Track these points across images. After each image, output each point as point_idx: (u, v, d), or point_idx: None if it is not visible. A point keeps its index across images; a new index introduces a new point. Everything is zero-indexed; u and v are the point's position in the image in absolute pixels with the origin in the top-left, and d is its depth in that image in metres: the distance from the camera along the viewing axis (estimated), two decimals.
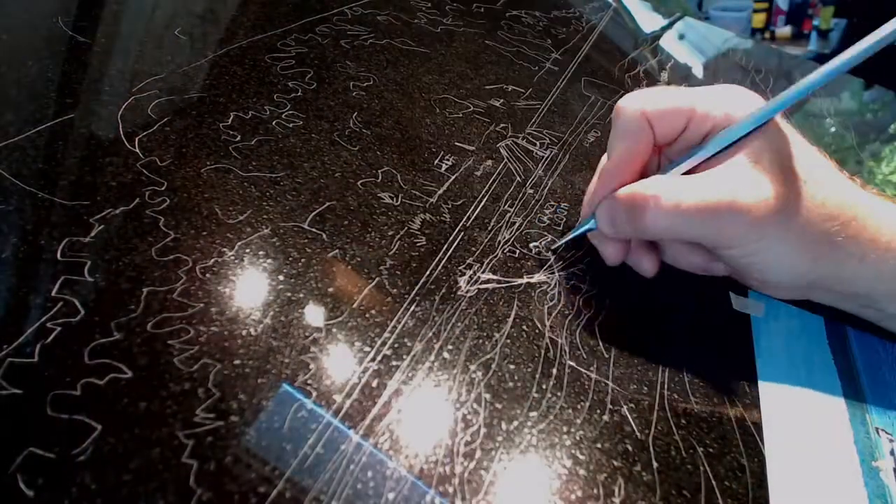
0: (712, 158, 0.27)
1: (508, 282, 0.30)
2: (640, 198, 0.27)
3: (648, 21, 0.67)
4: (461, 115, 0.41)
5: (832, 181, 0.27)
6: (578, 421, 0.25)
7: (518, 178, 0.37)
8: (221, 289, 0.26)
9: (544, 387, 0.26)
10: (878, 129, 0.61)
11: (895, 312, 0.29)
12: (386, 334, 0.26)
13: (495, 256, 0.31)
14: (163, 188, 0.30)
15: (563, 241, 0.33)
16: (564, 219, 0.35)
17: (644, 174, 0.29)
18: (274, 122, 0.36)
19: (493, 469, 0.22)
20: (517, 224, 0.34)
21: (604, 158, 0.32)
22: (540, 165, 0.38)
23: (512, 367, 0.26)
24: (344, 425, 0.22)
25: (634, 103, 0.28)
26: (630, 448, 0.24)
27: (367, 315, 0.27)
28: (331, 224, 0.30)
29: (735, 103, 0.27)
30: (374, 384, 0.24)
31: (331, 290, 0.27)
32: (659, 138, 0.28)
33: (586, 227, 0.31)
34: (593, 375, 0.27)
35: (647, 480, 0.23)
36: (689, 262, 0.31)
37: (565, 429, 0.24)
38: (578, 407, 0.25)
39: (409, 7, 0.53)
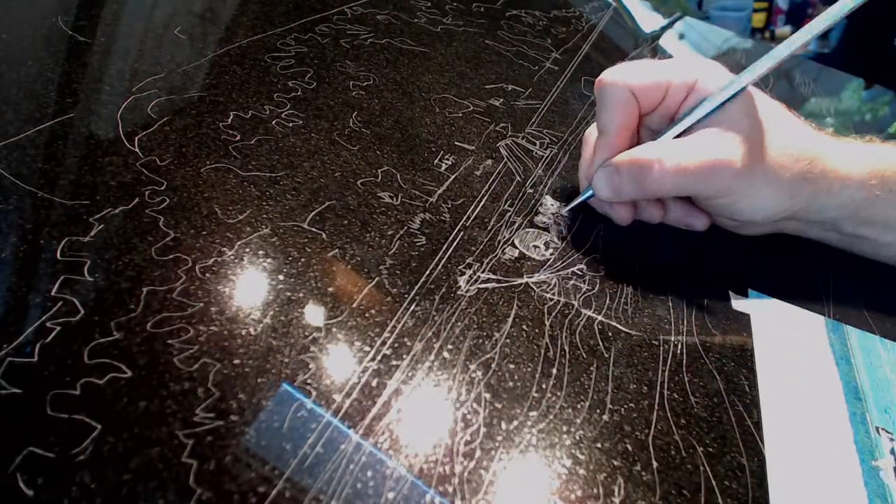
0: (695, 124, 0.31)
1: (508, 281, 0.30)
2: (646, 162, 0.30)
3: (648, 21, 0.67)
4: (461, 115, 0.41)
5: (796, 129, 0.31)
6: (578, 421, 0.25)
7: (518, 178, 0.37)
8: (221, 288, 0.26)
9: (544, 386, 0.26)
10: (878, 129, 0.61)
11: (851, 231, 0.33)
12: (386, 334, 0.26)
13: (495, 256, 0.31)
14: (162, 188, 0.30)
15: (571, 206, 0.35)
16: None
17: (634, 143, 0.32)
18: (274, 122, 0.36)
19: (493, 469, 0.22)
20: (517, 223, 0.34)
21: (589, 131, 0.35)
22: (540, 165, 0.38)
23: (512, 366, 0.26)
24: (343, 425, 0.22)
25: (619, 78, 0.32)
26: (630, 448, 0.24)
27: (367, 315, 0.27)
28: (330, 223, 0.30)
29: (705, 74, 0.31)
30: (374, 384, 0.24)
31: (330, 289, 0.27)
32: (641, 109, 0.32)
33: (587, 195, 0.34)
34: (593, 375, 0.27)
35: (647, 480, 0.23)
36: (673, 216, 0.34)
37: (565, 428, 0.24)
38: (578, 407, 0.25)
39: (409, 6, 0.53)
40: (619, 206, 0.33)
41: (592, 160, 0.33)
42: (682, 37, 0.66)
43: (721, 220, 0.34)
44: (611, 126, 0.32)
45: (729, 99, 0.30)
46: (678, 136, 0.31)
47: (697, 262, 0.34)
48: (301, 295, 0.27)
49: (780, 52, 0.30)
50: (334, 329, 0.26)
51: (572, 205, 0.35)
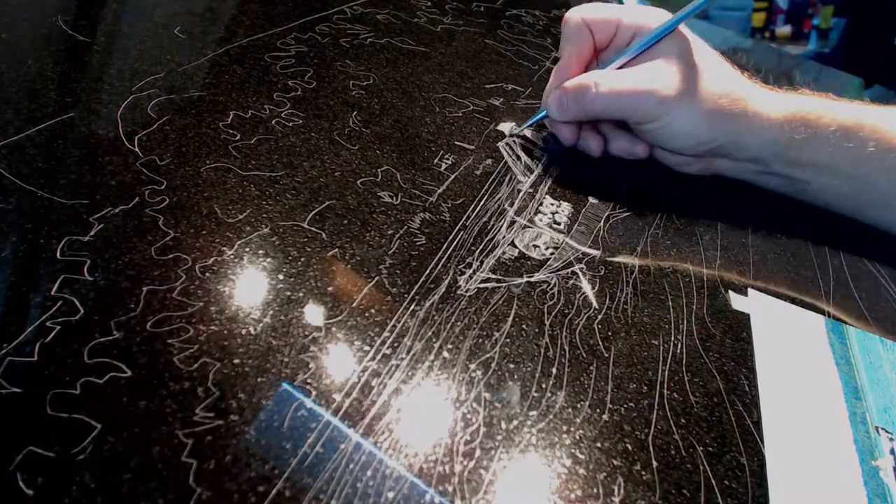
0: (637, 57, 0.35)
1: (508, 281, 0.30)
2: (585, 83, 0.34)
3: None
4: (461, 114, 0.41)
5: (725, 72, 0.35)
6: (578, 420, 0.25)
7: (518, 178, 0.37)
8: (221, 288, 0.26)
9: (544, 386, 0.26)
10: None
11: (783, 172, 0.36)
12: (385, 333, 0.26)
13: (495, 255, 0.31)
14: (162, 187, 0.30)
15: (522, 128, 0.40)
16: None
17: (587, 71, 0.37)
18: (273, 121, 0.36)
19: (493, 468, 0.22)
20: (517, 223, 0.33)
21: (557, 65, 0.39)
22: (540, 164, 0.38)
23: (512, 366, 0.26)
24: (343, 424, 0.22)
25: (577, 14, 0.37)
26: (630, 447, 0.24)
27: (367, 314, 0.27)
28: (330, 223, 0.30)
29: (649, 16, 0.35)
30: (374, 383, 0.24)
31: (330, 289, 0.27)
32: (596, 43, 0.37)
33: (540, 115, 0.38)
34: (593, 375, 0.27)
35: (647, 480, 0.23)
36: (619, 147, 0.38)
37: (565, 428, 0.24)
38: (578, 406, 0.25)
39: (409, 6, 0.53)
40: (563, 127, 0.38)
41: (549, 85, 0.37)
42: None
43: (658, 153, 0.38)
44: (566, 55, 0.37)
45: (659, 36, 0.34)
46: (621, 67, 0.35)
47: (697, 262, 0.34)
48: (301, 294, 0.27)
49: None
50: (334, 328, 0.26)
51: (526, 125, 0.39)
